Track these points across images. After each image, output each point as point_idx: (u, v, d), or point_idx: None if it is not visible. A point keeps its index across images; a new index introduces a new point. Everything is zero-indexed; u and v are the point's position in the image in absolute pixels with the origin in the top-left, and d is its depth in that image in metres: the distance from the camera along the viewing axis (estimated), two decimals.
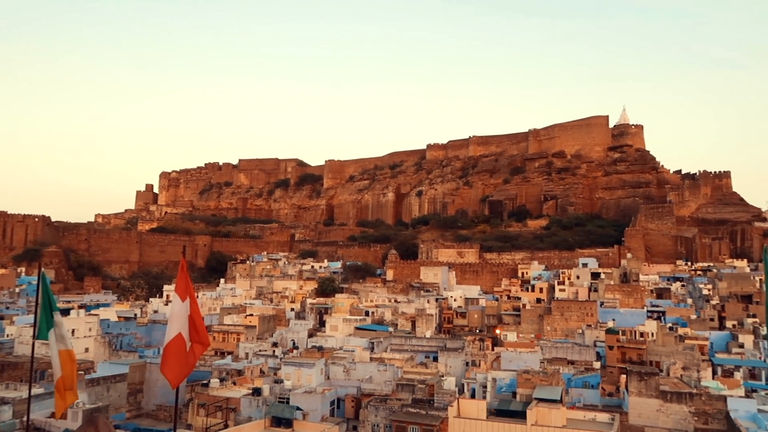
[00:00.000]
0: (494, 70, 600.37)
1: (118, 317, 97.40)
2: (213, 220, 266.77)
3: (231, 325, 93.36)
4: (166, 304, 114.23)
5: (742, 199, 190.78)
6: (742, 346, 77.99)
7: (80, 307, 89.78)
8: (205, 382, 55.13)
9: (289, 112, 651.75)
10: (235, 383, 56.47)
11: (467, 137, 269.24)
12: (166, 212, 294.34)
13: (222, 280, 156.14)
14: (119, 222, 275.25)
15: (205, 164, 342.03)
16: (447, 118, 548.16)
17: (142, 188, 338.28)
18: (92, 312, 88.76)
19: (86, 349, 73.01)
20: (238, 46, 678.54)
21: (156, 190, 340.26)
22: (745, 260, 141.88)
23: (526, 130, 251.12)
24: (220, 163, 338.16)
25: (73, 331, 72.38)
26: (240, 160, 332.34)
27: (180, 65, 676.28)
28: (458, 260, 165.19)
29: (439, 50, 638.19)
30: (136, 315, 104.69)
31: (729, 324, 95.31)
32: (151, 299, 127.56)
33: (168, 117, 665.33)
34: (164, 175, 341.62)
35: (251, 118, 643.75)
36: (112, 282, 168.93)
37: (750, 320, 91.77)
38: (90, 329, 76.24)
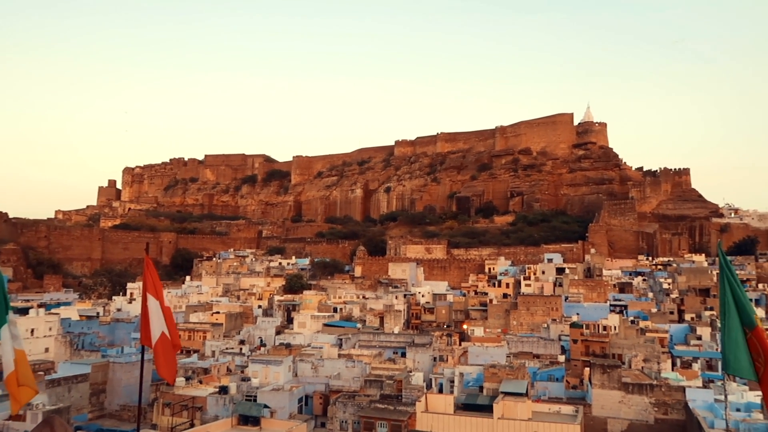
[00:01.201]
0: (462, 66, 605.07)
1: (80, 316, 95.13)
2: (178, 216, 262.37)
3: (197, 323, 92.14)
4: (130, 303, 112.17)
5: (700, 196, 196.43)
6: (700, 338, 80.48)
7: (40, 306, 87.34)
8: None
9: (256, 106, 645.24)
10: (201, 382, 55.82)
11: (435, 134, 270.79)
12: (129, 208, 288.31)
13: (188, 278, 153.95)
14: (81, 218, 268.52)
15: (170, 160, 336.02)
16: (415, 115, 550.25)
17: (105, 184, 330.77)
18: (52, 311, 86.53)
19: (46, 349, 71.24)
20: (204, 40, 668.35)
21: (119, 185, 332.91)
22: (703, 255, 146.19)
23: (493, 127, 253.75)
24: (186, 159, 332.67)
25: (32, 330, 70.52)
26: (206, 156, 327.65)
27: (144, 59, 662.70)
28: (426, 256, 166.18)
29: (407, 46, 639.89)
30: (98, 314, 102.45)
31: (688, 317, 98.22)
32: (114, 297, 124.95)
33: (131, 111, 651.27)
34: (128, 171, 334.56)
35: (217, 112, 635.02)
36: (74, 280, 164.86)
37: (707, 313, 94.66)
38: (50, 329, 74.36)
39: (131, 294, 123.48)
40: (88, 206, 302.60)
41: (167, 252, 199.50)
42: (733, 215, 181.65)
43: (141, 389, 14.12)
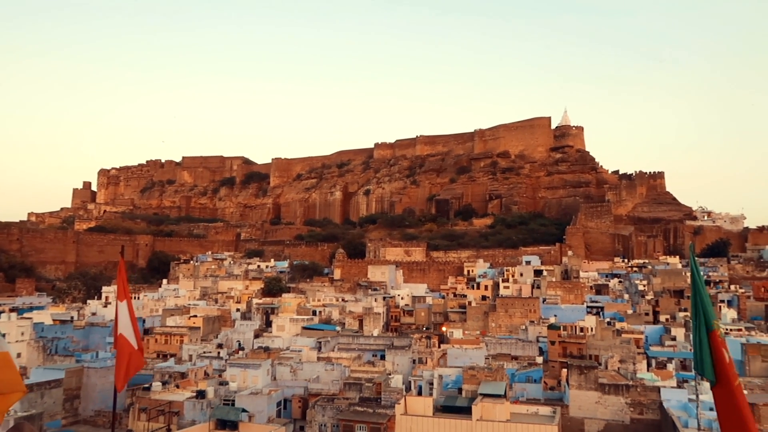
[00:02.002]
0: (441, 70, 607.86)
1: (53, 320, 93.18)
2: (155, 219, 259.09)
3: (174, 326, 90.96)
4: (105, 306, 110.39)
5: (674, 199, 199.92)
6: (674, 339, 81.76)
7: (12, 310, 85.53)
8: (146, 385, 53.61)
9: (235, 108, 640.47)
10: (178, 386, 55.14)
11: (414, 137, 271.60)
12: (105, 211, 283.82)
13: (164, 281, 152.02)
14: (54, 221, 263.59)
15: (147, 161, 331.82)
16: (394, 118, 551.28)
17: (79, 186, 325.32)
18: (25, 315, 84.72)
19: (18, 355, 69.63)
20: (182, 42, 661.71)
21: (94, 187, 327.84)
22: (678, 257, 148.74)
23: (472, 131, 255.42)
24: (163, 161, 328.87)
25: (3, 335, 68.95)
26: (183, 158, 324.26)
27: (120, 60, 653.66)
28: (405, 259, 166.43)
29: (387, 50, 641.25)
30: (72, 318, 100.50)
31: (662, 318, 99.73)
32: (89, 301, 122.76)
33: (108, 112, 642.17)
34: (103, 173, 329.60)
35: (195, 114, 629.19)
36: (47, 284, 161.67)
37: (682, 314, 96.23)
38: (22, 333, 72.81)
39: (106, 298, 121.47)
40: (62, 208, 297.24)
41: (143, 255, 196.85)
42: (706, 218, 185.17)
43: (115, 394, 13.84)
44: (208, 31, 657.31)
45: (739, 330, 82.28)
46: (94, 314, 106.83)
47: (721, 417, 8.96)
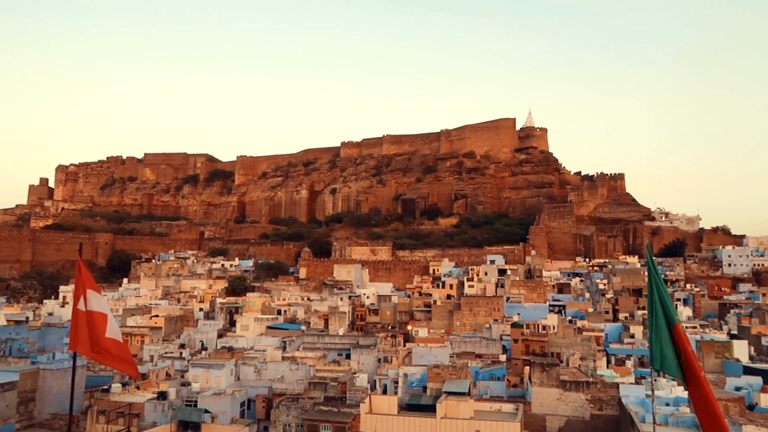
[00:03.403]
0: (408, 69, 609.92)
1: (7, 321, 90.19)
2: (115, 216, 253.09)
3: (134, 326, 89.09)
4: (63, 306, 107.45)
5: (634, 200, 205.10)
6: (633, 336, 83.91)
7: None
8: (105, 387, 52.38)
9: (199, 105, 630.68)
10: (138, 387, 54.01)
11: (381, 136, 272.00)
12: (63, 208, 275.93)
13: (125, 280, 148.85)
14: (9, 218, 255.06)
15: (107, 158, 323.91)
16: (361, 116, 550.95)
17: (36, 182, 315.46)
18: None
19: None
20: (145, 37, 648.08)
21: (52, 184, 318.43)
22: (637, 257, 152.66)
23: (438, 131, 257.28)
24: (124, 157, 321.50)
25: None
26: (145, 154, 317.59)
27: (79, 54, 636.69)
28: (371, 258, 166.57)
29: (354, 47, 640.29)
30: (28, 318, 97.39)
31: (622, 316, 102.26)
32: (45, 301, 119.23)
33: (66, 106, 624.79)
34: (61, 169, 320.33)
35: (158, 110, 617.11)
36: (1, 283, 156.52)
37: (640, 312, 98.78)
38: None
39: (64, 297, 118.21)
40: (17, 205, 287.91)
41: (103, 253, 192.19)
42: (663, 219, 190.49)
43: (72, 396, 13.52)
44: (172, 27, 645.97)
45: (694, 327, 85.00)
46: (50, 314, 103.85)
47: (698, 409, 9.14)
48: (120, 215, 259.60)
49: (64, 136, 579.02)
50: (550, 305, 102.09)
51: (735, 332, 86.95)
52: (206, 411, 44.74)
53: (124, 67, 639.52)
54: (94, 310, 12.89)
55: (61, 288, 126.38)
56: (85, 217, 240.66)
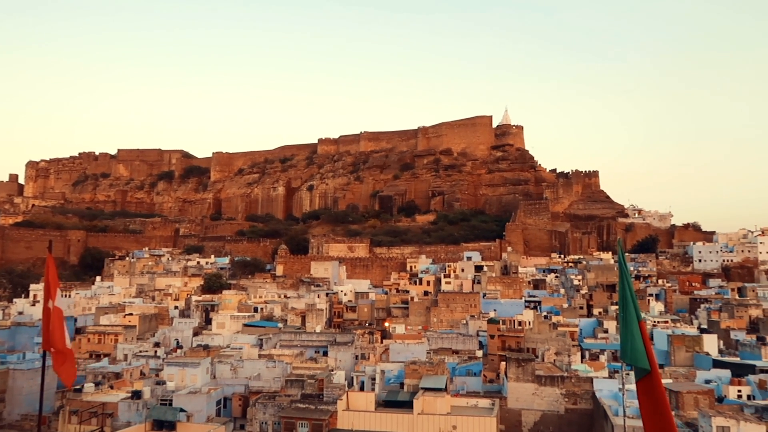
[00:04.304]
0: (386, 66, 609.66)
1: None
2: (88, 213, 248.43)
3: (108, 325, 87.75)
4: (33, 305, 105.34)
5: (608, 197, 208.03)
6: (606, 331, 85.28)
7: None
8: (78, 387, 51.52)
9: (174, 100, 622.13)
10: (112, 387, 53.30)
11: (358, 133, 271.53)
12: (33, 205, 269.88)
13: (98, 278, 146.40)
14: None
15: (79, 153, 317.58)
16: (339, 113, 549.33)
17: (5, 178, 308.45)
18: None
19: None
20: (118, 31, 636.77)
21: (22, 180, 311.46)
22: (610, 253, 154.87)
23: (416, 128, 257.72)
24: (97, 153, 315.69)
25: None
26: (119, 150, 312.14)
27: (50, 47, 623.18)
28: (349, 255, 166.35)
29: (332, 44, 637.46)
30: None
31: (596, 311, 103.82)
32: (15, 300, 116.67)
33: (36, 101, 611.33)
34: (31, 165, 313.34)
35: (132, 105, 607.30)
36: None
37: (613, 308, 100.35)
38: None
39: (34, 296, 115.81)
40: None
41: (75, 251, 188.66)
42: (636, 216, 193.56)
43: (42, 397, 13.30)
44: (146, 22, 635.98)
45: (666, 322, 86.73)
46: (20, 313, 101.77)
47: (647, 403, 9.33)
48: (93, 212, 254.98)
49: (34, 132, 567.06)
50: (525, 301, 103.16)
51: (705, 326, 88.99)
52: (181, 410, 44.34)
53: (97, 61, 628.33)
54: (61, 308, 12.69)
55: (32, 286, 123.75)
56: (56, 214, 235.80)
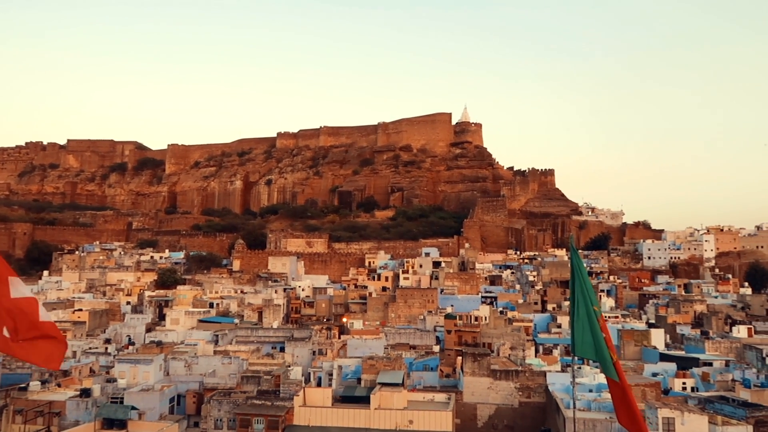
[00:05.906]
0: (346, 61, 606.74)
1: None
2: (35, 206, 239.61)
3: (55, 321, 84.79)
4: None
5: (563, 195, 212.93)
6: (560, 326, 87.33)
7: None
8: (23, 385, 49.71)
9: (128, 90, 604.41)
10: (59, 385, 51.62)
11: (318, 127, 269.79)
12: None
13: (46, 273, 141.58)
14: None
15: (26, 143, 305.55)
16: (298, 107, 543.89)
17: None
18: None
19: None
20: (71, 18, 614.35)
21: None
22: (564, 249, 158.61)
23: (376, 123, 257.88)
24: (45, 143, 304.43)
25: None
26: (69, 141, 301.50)
27: None
28: (307, 250, 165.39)
29: (291, 38, 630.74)
30: None
31: (550, 307, 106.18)
32: None
33: None
34: None
35: (83, 94, 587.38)
36: None
37: (567, 303, 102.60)
38: None
39: None
40: None
41: (21, 244, 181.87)
42: (590, 213, 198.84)
43: None
44: (101, 8, 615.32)
45: (616, 317, 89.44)
46: None
47: (617, 396, 9.55)
48: (40, 204, 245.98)
49: None
50: (482, 297, 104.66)
51: (653, 321, 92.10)
52: (133, 408, 43.32)
53: (48, 48, 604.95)
54: (21, 297, 12.08)
55: None
56: (1, 206, 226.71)
